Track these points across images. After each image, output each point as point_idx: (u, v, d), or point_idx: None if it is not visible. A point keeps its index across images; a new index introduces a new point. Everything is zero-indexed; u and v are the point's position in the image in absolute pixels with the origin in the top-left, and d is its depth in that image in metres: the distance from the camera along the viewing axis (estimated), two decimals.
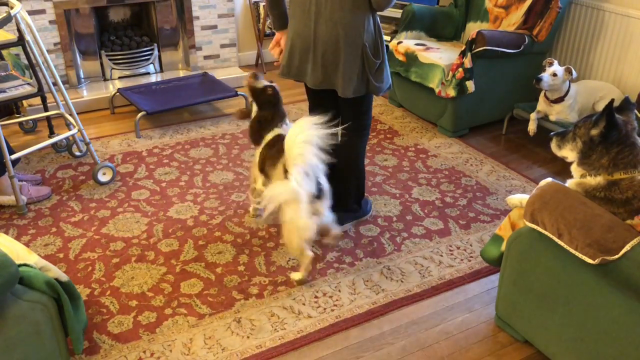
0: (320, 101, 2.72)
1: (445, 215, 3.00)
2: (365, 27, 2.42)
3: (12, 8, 2.85)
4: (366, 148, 2.82)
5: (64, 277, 1.89)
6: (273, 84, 2.71)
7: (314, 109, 2.76)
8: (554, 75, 3.32)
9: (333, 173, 2.78)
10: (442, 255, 2.69)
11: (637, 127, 1.91)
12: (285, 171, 2.37)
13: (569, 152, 1.99)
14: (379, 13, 2.51)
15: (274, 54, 2.77)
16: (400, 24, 4.24)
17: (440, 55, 3.82)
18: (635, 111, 3.46)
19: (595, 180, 1.87)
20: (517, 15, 3.85)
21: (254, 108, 2.74)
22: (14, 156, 2.90)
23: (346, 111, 2.68)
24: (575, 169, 1.98)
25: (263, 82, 2.71)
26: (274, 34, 5.13)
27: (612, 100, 1.88)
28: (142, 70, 4.61)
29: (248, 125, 2.77)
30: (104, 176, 3.23)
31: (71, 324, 1.87)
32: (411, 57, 3.90)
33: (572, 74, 3.32)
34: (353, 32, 2.41)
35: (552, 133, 2.07)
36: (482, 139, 3.86)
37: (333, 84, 2.54)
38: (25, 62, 3.54)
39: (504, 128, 3.95)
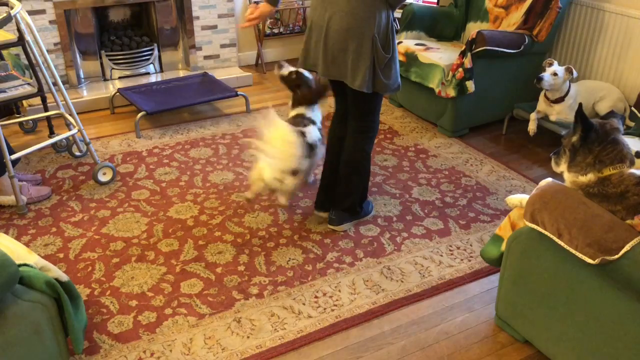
0: (337, 94, 2.79)
1: (445, 215, 3.00)
2: (377, 20, 2.44)
3: (12, 8, 2.85)
4: (371, 150, 2.81)
5: (64, 277, 1.89)
6: (297, 69, 2.91)
7: (335, 101, 2.84)
8: (555, 74, 3.32)
9: (336, 171, 2.80)
10: (442, 255, 2.69)
11: (622, 128, 1.97)
12: None
13: (564, 166, 2.02)
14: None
15: (246, 24, 2.69)
16: (400, 23, 4.24)
17: (440, 55, 3.82)
18: (635, 110, 3.49)
19: (587, 177, 1.90)
20: (517, 15, 3.85)
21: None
22: (14, 156, 2.90)
23: (352, 109, 2.69)
24: (567, 177, 2.00)
25: (288, 69, 2.95)
26: (274, 34, 5.17)
27: (581, 104, 1.96)
28: (142, 70, 4.61)
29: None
30: (104, 176, 3.23)
31: (71, 324, 1.88)
32: (411, 57, 3.90)
33: (572, 74, 3.33)
34: (364, 23, 2.42)
35: (551, 153, 2.11)
36: (482, 139, 3.86)
37: (342, 74, 2.56)
38: (25, 62, 3.54)
39: (504, 128, 3.95)
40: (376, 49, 2.46)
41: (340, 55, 2.51)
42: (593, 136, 1.91)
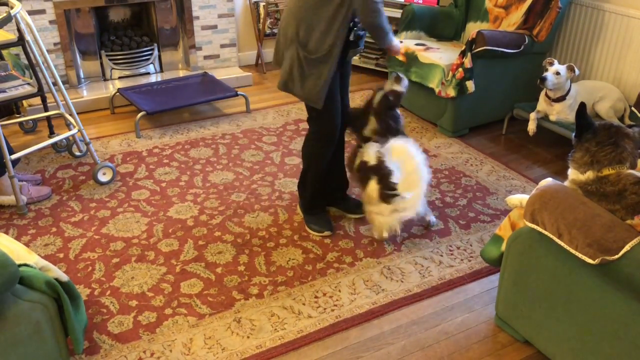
0: None
1: (445, 215, 3.00)
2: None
3: (12, 8, 2.85)
4: (319, 155, 2.75)
5: (64, 277, 1.90)
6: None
7: None
8: (557, 73, 3.32)
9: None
10: (442, 255, 2.69)
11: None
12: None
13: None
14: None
15: None
16: (400, 23, 4.24)
17: (440, 55, 3.82)
18: (635, 110, 3.49)
19: (585, 175, 1.93)
20: (517, 15, 3.85)
21: None
22: (14, 156, 2.90)
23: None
24: (569, 173, 2.02)
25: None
26: (274, 34, 5.16)
27: (585, 105, 1.98)
28: (142, 70, 4.61)
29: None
30: (104, 176, 3.23)
31: (71, 324, 1.88)
32: (411, 57, 3.90)
33: (574, 72, 3.33)
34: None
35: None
36: (482, 139, 3.86)
37: None
38: (25, 62, 3.54)
39: (504, 128, 3.95)
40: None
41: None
42: (589, 137, 1.93)
